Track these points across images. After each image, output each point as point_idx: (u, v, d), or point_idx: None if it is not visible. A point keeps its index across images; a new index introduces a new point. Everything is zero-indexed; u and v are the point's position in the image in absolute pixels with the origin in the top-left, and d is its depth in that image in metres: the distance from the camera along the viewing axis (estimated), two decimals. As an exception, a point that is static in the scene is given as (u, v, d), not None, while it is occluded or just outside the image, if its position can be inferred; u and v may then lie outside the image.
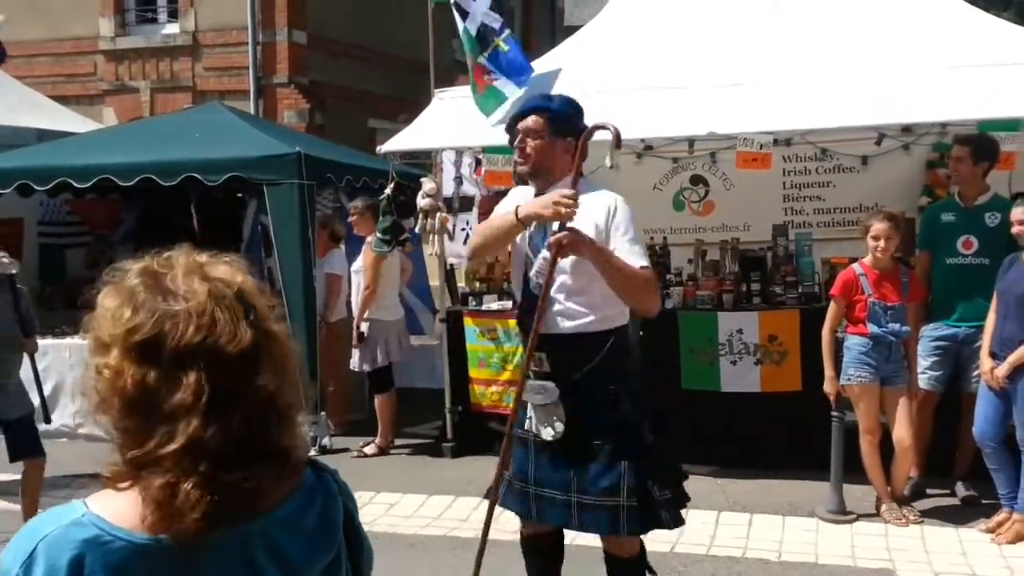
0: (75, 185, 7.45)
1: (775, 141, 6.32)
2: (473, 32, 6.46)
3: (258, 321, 1.22)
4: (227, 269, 1.24)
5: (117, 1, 13.73)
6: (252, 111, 12.26)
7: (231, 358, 1.16)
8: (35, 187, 7.63)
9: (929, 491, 5.57)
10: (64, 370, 7.61)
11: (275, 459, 1.21)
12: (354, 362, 7.07)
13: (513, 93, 6.51)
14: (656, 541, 5.03)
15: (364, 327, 6.93)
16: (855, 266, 5.28)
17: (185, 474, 1.11)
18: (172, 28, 13.69)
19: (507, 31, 6.59)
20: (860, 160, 7.38)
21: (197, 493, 1.11)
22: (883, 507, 5.22)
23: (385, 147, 6.90)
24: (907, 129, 6.99)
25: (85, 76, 13.94)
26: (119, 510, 1.16)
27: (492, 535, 3.67)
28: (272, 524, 1.20)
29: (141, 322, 1.15)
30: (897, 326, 5.11)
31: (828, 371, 5.18)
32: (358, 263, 7.15)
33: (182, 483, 1.11)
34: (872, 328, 5.10)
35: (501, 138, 6.52)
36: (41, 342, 7.69)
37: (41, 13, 13.63)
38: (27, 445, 5.28)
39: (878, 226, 5.09)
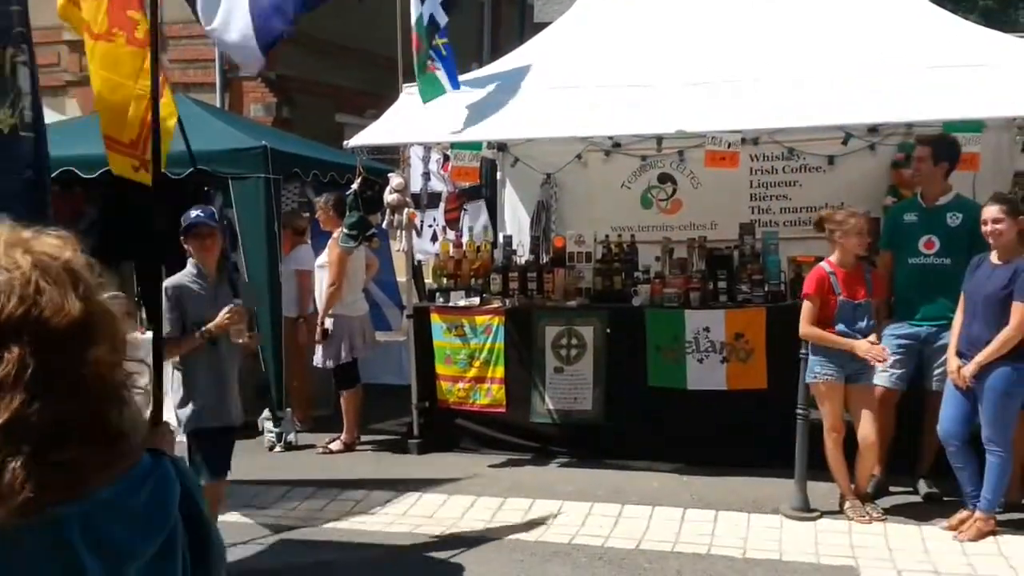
0: (36, 177, 7.29)
1: (743, 140, 6.35)
2: (425, 20, 6.45)
3: (89, 294, 1.16)
4: (54, 242, 1.19)
5: (81, -9, 13.49)
6: (218, 104, 12.10)
7: (58, 331, 1.10)
8: (-6, 178, 7.46)
9: (892, 489, 5.62)
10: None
11: (106, 440, 1.15)
12: (317, 358, 7.01)
13: (448, 90, 6.53)
14: (621, 538, 5.05)
15: (328, 323, 6.87)
16: (823, 264, 5.30)
17: (10, 453, 1.06)
18: (137, 19, 13.48)
19: (445, 37, 6.60)
20: (827, 160, 7.43)
21: (24, 473, 1.06)
22: (847, 504, 5.26)
23: (352, 142, 6.83)
24: (873, 129, 7.05)
25: (48, 67, 13.63)
26: None
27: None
28: (95, 506, 1.13)
29: None
30: (863, 323, 5.16)
31: (845, 343, 5.07)
32: (323, 258, 7.08)
33: (8, 463, 1.06)
34: (840, 327, 5.14)
35: (469, 134, 6.56)
36: None
37: (3, 2, 13.36)
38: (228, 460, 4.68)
39: (854, 221, 5.12)
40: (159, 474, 1.21)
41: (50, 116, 10.46)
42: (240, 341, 4.56)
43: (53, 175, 7.17)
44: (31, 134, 4.89)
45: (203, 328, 4.43)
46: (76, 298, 1.14)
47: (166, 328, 4.26)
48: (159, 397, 2.68)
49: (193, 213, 4.72)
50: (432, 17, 6.46)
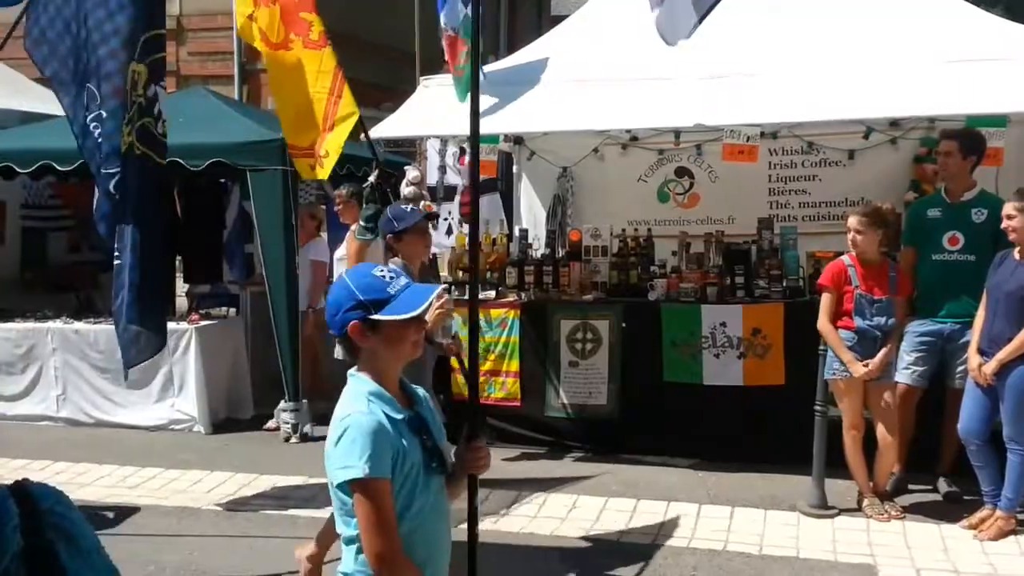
0: (58, 168, 7.35)
1: (762, 134, 6.30)
2: (469, 18, 6.40)
3: None
4: None
5: (101, -17, 13.54)
6: (236, 97, 12.14)
7: None
8: (18, 170, 7.52)
9: (911, 487, 5.57)
10: (46, 355, 7.53)
11: None
12: (338, 351, 6.99)
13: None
14: (637, 533, 5.03)
15: (346, 316, 6.85)
16: (844, 258, 5.27)
17: None
18: (157, 11, 13.53)
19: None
20: (847, 154, 7.37)
21: None
22: (865, 502, 5.22)
23: (370, 134, 6.81)
24: (895, 123, 6.99)
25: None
26: None
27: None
28: None
29: None
30: (882, 320, 5.10)
31: (846, 357, 5.07)
32: (341, 251, 7.08)
33: None
34: (858, 322, 5.09)
35: (485, 127, 6.51)
36: (23, 326, 7.65)
37: (24, -6, 13.43)
38: None
39: (851, 219, 5.16)
40: None
41: (70, 108, 10.57)
42: (446, 342, 4.36)
43: (73, 166, 7.25)
44: (154, 154, 4.72)
45: None
46: None
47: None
48: (475, 409, 2.50)
49: (407, 208, 4.33)
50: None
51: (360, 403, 2.13)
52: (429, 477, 2.18)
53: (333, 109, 5.23)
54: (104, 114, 4.66)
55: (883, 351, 5.08)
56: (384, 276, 2.19)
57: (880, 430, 5.13)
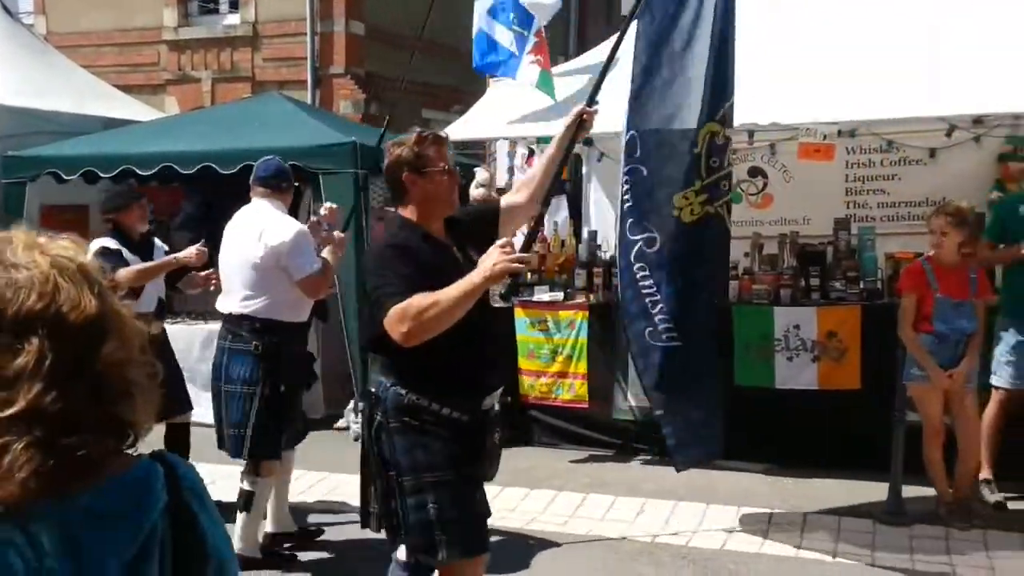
0: (138, 172, 7.58)
1: (839, 132, 6.15)
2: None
3: (103, 294, 1.21)
4: (68, 245, 1.23)
5: (181, -8, 13.96)
6: (309, 101, 12.37)
7: (75, 326, 1.15)
8: (100, 174, 7.78)
9: (995, 495, 5.37)
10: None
11: (113, 430, 1.19)
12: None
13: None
14: (706, 538, 4.97)
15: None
16: (922, 260, 5.13)
17: (20, 435, 1.11)
18: (233, 19, 13.87)
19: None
20: (928, 152, 7.14)
21: (27, 454, 1.10)
22: (944, 510, 5.05)
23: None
24: (978, 121, 6.74)
25: (149, 66, 14.20)
26: None
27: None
28: (73, 509, 1.15)
29: None
30: (964, 323, 4.94)
31: (931, 366, 4.90)
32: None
33: (13, 444, 1.11)
34: (938, 326, 4.93)
35: (556, 129, 6.50)
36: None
37: (108, 4, 13.93)
38: None
39: (936, 220, 5.01)
40: (145, 480, 1.22)
41: (150, 114, 10.92)
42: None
43: (153, 171, 7.50)
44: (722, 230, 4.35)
45: None
46: (91, 296, 1.19)
47: None
48: None
49: None
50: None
51: None
52: None
53: None
54: (645, 171, 4.43)
55: (965, 360, 4.91)
56: None
57: (961, 436, 4.96)
